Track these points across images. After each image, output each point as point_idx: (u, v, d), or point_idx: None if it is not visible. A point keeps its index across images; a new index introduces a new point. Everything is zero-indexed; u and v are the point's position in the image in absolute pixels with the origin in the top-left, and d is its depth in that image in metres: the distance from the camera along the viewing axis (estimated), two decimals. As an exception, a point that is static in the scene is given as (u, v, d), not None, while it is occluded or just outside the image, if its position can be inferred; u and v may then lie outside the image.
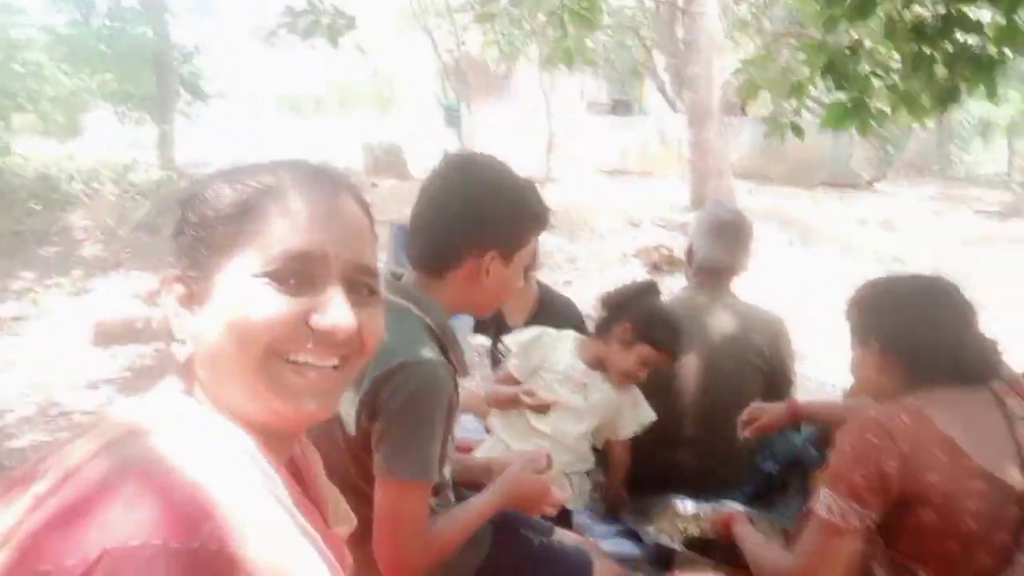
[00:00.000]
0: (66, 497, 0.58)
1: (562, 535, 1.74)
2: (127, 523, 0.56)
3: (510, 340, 2.20)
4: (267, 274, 0.68)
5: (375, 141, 11.48)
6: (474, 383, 2.79)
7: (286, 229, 0.69)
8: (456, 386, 1.37)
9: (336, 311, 0.70)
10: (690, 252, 2.42)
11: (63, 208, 7.87)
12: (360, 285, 0.73)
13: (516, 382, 2.12)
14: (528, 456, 1.56)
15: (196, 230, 0.71)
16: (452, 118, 11.53)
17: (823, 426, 2.13)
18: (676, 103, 12.77)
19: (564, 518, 2.01)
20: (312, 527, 0.69)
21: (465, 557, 1.43)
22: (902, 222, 9.66)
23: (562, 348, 2.17)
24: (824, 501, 1.28)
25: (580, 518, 2.15)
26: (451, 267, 1.40)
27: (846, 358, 1.60)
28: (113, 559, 0.54)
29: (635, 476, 2.35)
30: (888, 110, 3.05)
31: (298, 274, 0.69)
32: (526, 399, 2.03)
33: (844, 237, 8.71)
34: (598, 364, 2.15)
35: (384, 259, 5.91)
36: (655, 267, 7.49)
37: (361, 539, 1.33)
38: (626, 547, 2.01)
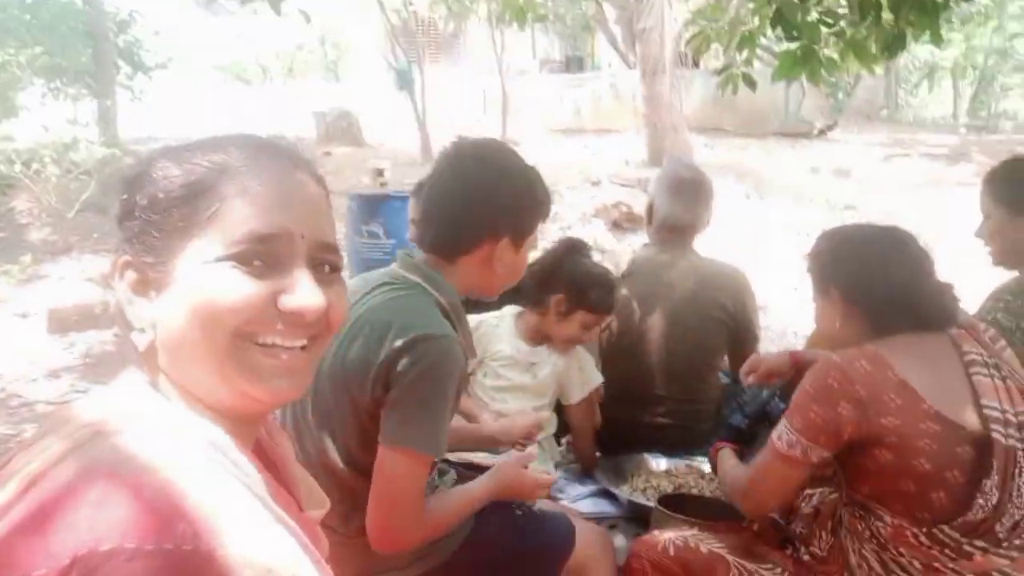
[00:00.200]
0: (32, 504, 0.56)
1: (542, 503, 1.77)
2: (97, 527, 0.54)
3: None
4: (231, 257, 0.67)
5: (326, 108, 11.22)
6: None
7: (247, 210, 0.68)
8: (467, 363, 1.39)
9: (305, 292, 0.69)
10: (651, 210, 2.43)
11: (4, 192, 7.55)
12: (322, 263, 0.73)
13: None
14: (524, 456, 1.62)
15: (146, 213, 0.68)
16: (403, 81, 11.28)
17: (791, 382, 2.18)
18: (628, 57, 12.71)
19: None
20: (286, 514, 0.68)
21: (452, 531, 1.45)
22: (854, 169, 9.83)
23: (503, 333, 2.18)
24: (780, 431, 1.38)
25: (553, 471, 2.18)
26: (464, 252, 1.43)
27: (805, 307, 1.65)
28: (85, 565, 0.53)
29: (607, 436, 2.40)
30: (837, 58, 3.08)
31: (262, 255, 0.68)
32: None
33: (798, 187, 8.85)
34: (541, 337, 2.17)
35: (342, 231, 5.82)
36: (615, 225, 7.53)
37: (354, 512, 1.37)
38: (602, 506, 2.06)
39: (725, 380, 2.49)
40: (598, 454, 2.32)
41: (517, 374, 2.16)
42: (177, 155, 0.71)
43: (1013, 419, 1.33)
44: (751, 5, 3.31)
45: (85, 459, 0.59)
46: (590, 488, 2.12)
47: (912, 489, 1.30)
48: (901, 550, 1.35)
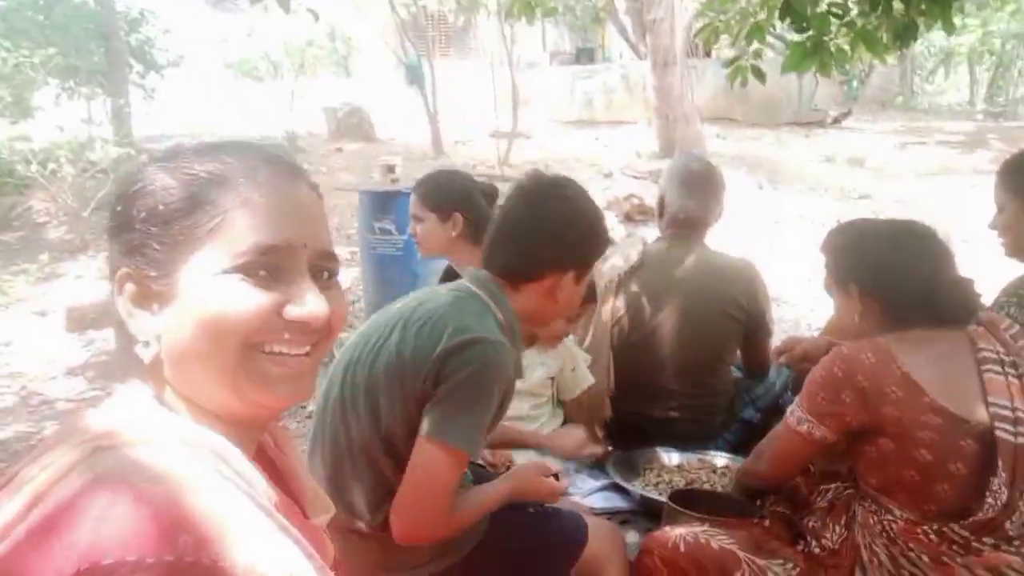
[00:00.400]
0: (36, 520, 0.57)
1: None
2: (100, 542, 0.55)
3: None
4: (237, 269, 0.68)
5: (337, 104, 11.23)
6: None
7: (250, 221, 0.69)
8: (515, 378, 1.44)
9: (311, 301, 0.71)
10: (661, 204, 2.43)
11: (21, 192, 7.64)
12: (322, 270, 0.75)
13: None
14: (540, 465, 1.69)
15: (145, 225, 0.69)
16: (413, 76, 11.28)
17: (801, 373, 2.18)
18: (639, 48, 12.63)
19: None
20: (291, 522, 0.68)
21: (468, 530, 1.47)
22: (868, 158, 9.73)
23: None
24: (792, 408, 1.49)
25: (566, 475, 2.19)
26: (530, 280, 1.50)
27: (819, 298, 1.66)
28: None
29: (619, 430, 2.40)
30: (848, 49, 3.05)
31: (267, 266, 0.69)
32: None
33: (811, 176, 8.77)
34: (528, 339, 2.16)
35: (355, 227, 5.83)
36: (627, 218, 7.50)
37: (384, 502, 1.40)
38: (614, 501, 2.06)
39: (737, 374, 2.48)
40: (610, 448, 2.32)
41: None
42: (170, 165, 0.71)
43: None
44: (760, -3, 3.29)
45: (88, 474, 0.60)
46: (602, 482, 2.12)
47: (916, 480, 1.33)
48: (911, 545, 1.36)
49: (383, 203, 4.56)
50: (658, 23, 9.05)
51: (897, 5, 2.65)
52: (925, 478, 1.32)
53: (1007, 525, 1.30)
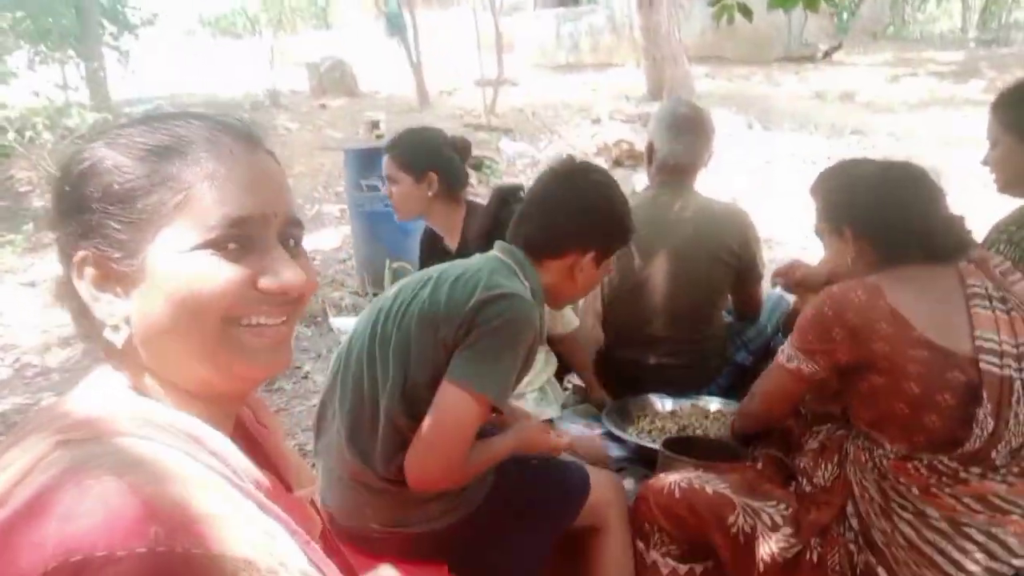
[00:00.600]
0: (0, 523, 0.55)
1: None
2: (66, 540, 0.53)
3: None
4: (208, 244, 0.66)
5: (318, 59, 10.99)
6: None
7: (217, 195, 0.67)
8: (539, 339, 1.48)
9: (286, 271, 0.70)
10: (650, 150, 2.39)
11: (0, 162, 7.52)
12: (289, 238, 0.74)
13: None
14: (543, 425, 1.73)
15: (102, 205, 0.66)
16: (394, 26, 11.01)
17: (792, 315, 2.18)
18: (625, -12, 12.33)
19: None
20: (274, 498, 0.67)
21: (475, 483, 1.50)
22: (859, 92, 9.61)
23: None
24: (784, 348, 1.52)
25: (562, 424, 2.21)
26: (553, 256, 1.57)
27: (811, 238, 1.69)
28: None
29: (614, 380, 2.41)
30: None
31: (238, 239, 0.68)
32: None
33: (802, 114, 8.67)
34: None
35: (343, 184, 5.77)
36: (617, 163, 7.44)
37: (397, 454, 1.43)
38: (610, 450, 2.07)
39: (728, 319, 2.49)
40: (605, 397, 2.34)
41: None
42: (121, 141, 0.68)
43: (1012, 350, 1.35)
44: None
45: (53, 469, 0.58)
46: (597, 432, 2.14)
47: (905, 412, 1.36)
48: (901, 479, 1.39)
49: (369, 160, 4.50)
50: (643, -40, 8.81)
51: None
52: (914, 410, 1.35)
53: (993, 454, 1.33)
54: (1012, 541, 1.34)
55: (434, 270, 1.55)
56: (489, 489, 1.54)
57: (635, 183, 6.43)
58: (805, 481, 1.54)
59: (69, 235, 0.68)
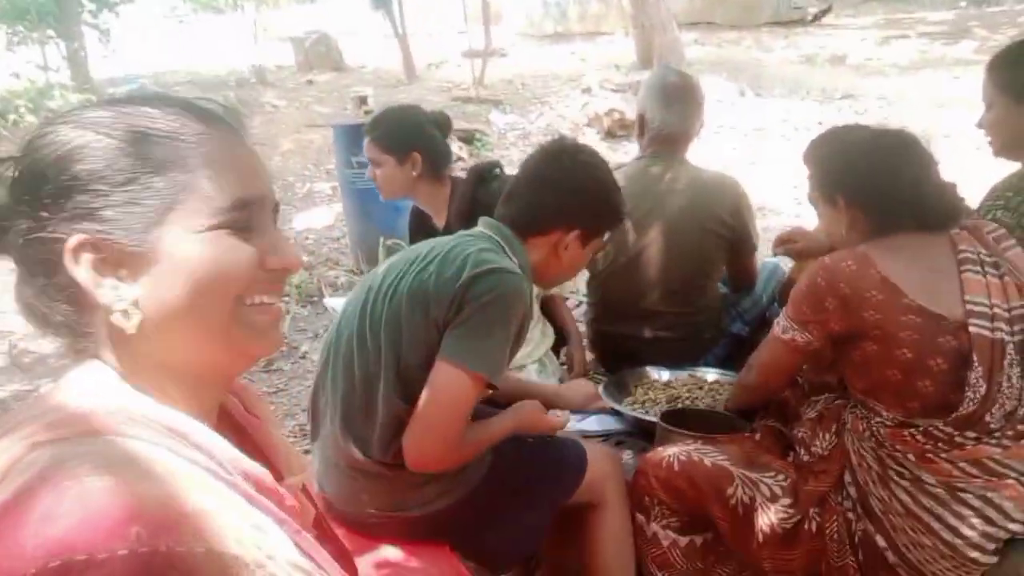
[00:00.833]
0: None
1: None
2: (46, 543, 0.51)
3: None
4: (221, 224, 0.67)
5: (302, 33, 10.82)
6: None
7: (223, 178, 0.68)
8: (530, 313, 1.48)
9: (287, 249, 0.73)
10: (641, 121, 2.37)
11: (-17, 146, 7.42)
12: (275, 219, 0.76)
13: None
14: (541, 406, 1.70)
15: (100, 187, 0.64)
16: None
17: (787, 284, 2.19)
18: (613, -47, 12.13)
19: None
20: (262, 487, 0.66)
21: (472, 464, 1.50)
22: (850, 56, 9.53)
23: None
24: (779, 321, 1.54)
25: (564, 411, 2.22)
26: (537, 234, 1.56)
27: (804, 205, 1.67)
28: None
29: (611, 354, 2.42)
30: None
31: (243, 220, 0.69)
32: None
33: (793, 79, 8.60)
34: None
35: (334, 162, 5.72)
36: (609, 133, 7.38)
37: (395, 439, 1.43)
38: (608, 423, 2.08)
39: (723, 290, 2.48)
40: (603, 374, 2.34)
41: None
42: (107, 123, 0.66)
43: (1004, 313, 1.36)
44: None
45: (28, 472, 0.56)
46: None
47: (899, 378, 1.37)
48: (898, 446, 1.40)
49: (358, 136, 4.39)
50: (630, -75, 8.67)
51: None
52: (907, 376, 1.37)
53: (987, 418, 1.34)
54: (1008, 505, 1.36)
55: (422, 247, 1.55)
56: (486, 469, 1.54)
57: (628, 152, 6.39)
58: (803, 451, 1.55)
59: (51, 220, 0.65)
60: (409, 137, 2.31)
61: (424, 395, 1.36)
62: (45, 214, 0.65)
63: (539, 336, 2.31)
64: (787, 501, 1.49)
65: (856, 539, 1.45)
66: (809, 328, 1.46)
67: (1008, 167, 1.90)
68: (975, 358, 1.32)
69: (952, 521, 1.36)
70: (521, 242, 1.56)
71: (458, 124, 7.22)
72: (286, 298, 4.47)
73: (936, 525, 1.37)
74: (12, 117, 6.81)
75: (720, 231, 2.26)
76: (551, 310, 2.41)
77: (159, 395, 0.67)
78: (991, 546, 1.37)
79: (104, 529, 0.52)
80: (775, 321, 1.56)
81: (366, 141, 2.36)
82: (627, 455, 1.94)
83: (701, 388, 2.10)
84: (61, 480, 0.54)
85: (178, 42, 11.96)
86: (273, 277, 0.72)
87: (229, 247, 0.68)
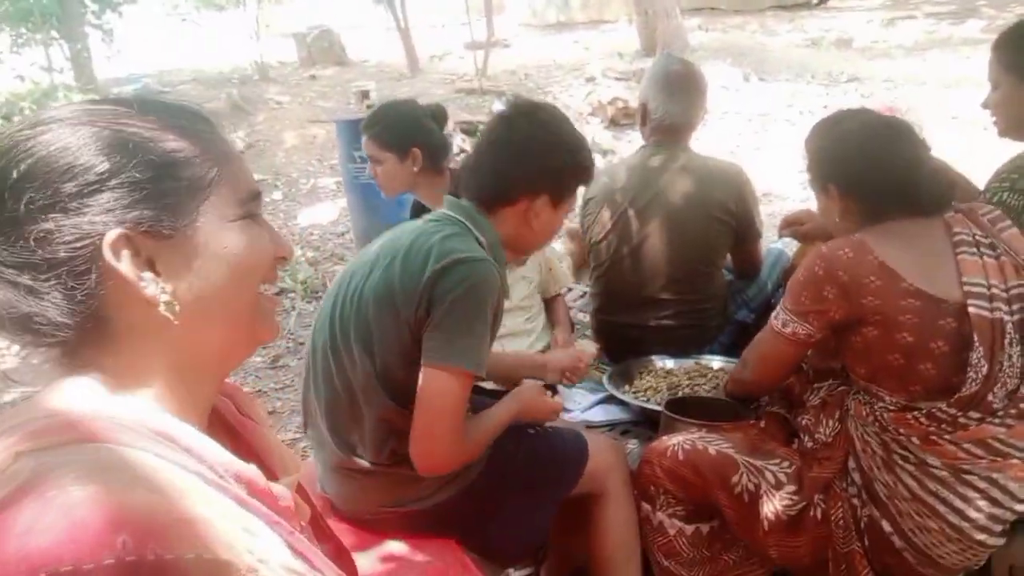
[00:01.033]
0: None
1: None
2: (29, 556, 0.50)
3: None
4: (245, 215, 0.71)
5: (305, 28, 10.80)
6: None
7: (236, 171, 0.72)
8: (503, 294, 1.45)
9: (284, 239, 0.76)
10: (644, 111, 2.35)
11: (-10, 149, 7.43)
12: None
13: None
14: (538, 385, 1.70)
15: (147, 175, 0.64)
16: (381, -9, 10.80)
17: (791, 269, 2.17)
18: (614, -60, 12.04)
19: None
20: (255, 490, 0.66)
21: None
22: (855, 38, 9.44)
23: None
24: (777, 312, 1.53)
25: (566, 389, 2.22)
26: (505, 203, 1.51)
27: (810, 190, 1.68)
28: None
29: (616, 343, 2.42)
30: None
31: (255, 210, 0.73)
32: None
33: (798, 63, 8.52)
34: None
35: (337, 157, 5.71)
36: (613, 122, 7.35)
37: (387, 440, 1.45)
38: (613, 413, 2.09)
39: (728, 277, 2.48)
40: (607, 364, 2.34)
41: None
42: (114, 118, 0.66)
43: (1002, 293, 1.36)
44: None
45: (10, 484, 0.55)
46: (600, 396, 2.15)
47: (901, 362, 1.37)
48: (901, 430, 1.40)
49: (360, 131, 4.44)
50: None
51: None
52: (909, 359, 1.37)
53: (990, 397, 1.34)
54: (1013, 486, 1.35)
55: (385, 244, 1.50)
56: (484, 463, 1.53)
57: (633, 141, 6.36)
58: (807, 438, 1.55)
59: (94, 212, 0.62)
60: (408, 132, 2.31)
61: (418, 404, 1.36)
62: (82, 207, 0.62)
63: (542, 327, 2.31)
64: (792, 488, 1.48)
65: (862, 525, 1.44)
66: (810, 319, 1.46)
67: (1014, 148, 1.88)
68: (976, 338, 1.32)
69: (958, 504, 1.36)
70: (487, 216, 1.51)
71: (461, 116, 7.22)
72: (291, 294, 4.49)
73: (942, 508, 1.37)
74: (17, 119, 6.84)
75: (724, 219, 2.25)
76: (551, 308, 2.42)
77: (150, 399, 0.67)
78: (998, 528, 1.37)
79: (89, 539, 0.51)
80: (773, 315, 1.55)
81: (364, 139, 2.36)
82: (632, 444, 1.94)
83: (705, 376, 2.10)
84: (45, 490, 0.53)
85: (181, 40, 11.96)
86: (279, 265, 0.75)
87: (257, 235, 0.71)
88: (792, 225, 2.05)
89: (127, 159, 0.64)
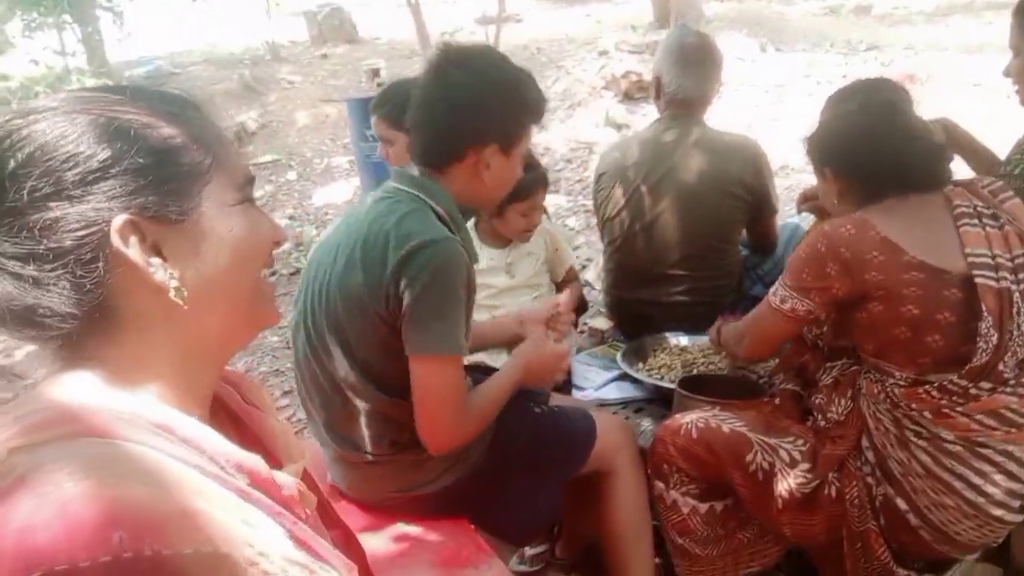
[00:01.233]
0: None
1: (559, 399, 1.80)
2: (25, 553, 0.49)
3: None
4: (243, 199, 0.71)
5: (315, 6, 10.74)
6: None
7: (231, 156, 0.71)
8: (470, 262, 1.40)
9: (279, 224, 0.76)
10: (658, 84, 2.32)
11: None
12: None
13: None
14: (539, 334, 1.62)
15: (149, 160, 0.63)
16: (391, -34, 10.71)
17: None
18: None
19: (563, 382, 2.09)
20: (258, 480, 0.65)
21: (473, 440, 1.49)
22: (875, 5, 9.24)
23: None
24: (775, 288, 1.54)
25: (579, 367, 2.21)
26: (452, 161, 1.44)
27: None
28: None
29: (631, 320, 2.40)
30: None
31: (250, 195, 0.73)
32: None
33: (816, 32, 8.36)
34: (500, 238, 2.16)
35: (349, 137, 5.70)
36: (627, 96, 7.25)
37: (384, 431, 1.44)
38: (627, 391, 2.08)
39: (744, 253, 2.44)
40: (622, 341, 2.33)
41: (501, 279, 2.17)
42: (106, 104, 0.65)
43: (1008, 263, 1.35)
44: None
45: (7, 481, 0.54)
46: (614, 374, 2.14)
47: (907, 335, 1.37)
48: (913, 405, 1.38)
49: (370, 111, 4.43)
50: None
51: None
52: (915, 332, 1.36)
53: (1001, 367, 1.32)
54: (1031, 460, 1.33)
55: (341, 237, 1.44)
56: (487, 444, 1.52)
57: (647, 115, 6.29)
58: (820, 416, 1.54)
59: (100, 199, 0.62)
60: None
61: (414, 394, 1.36)
62: (87, 194, 0.62)
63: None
64: (806, 466, 1.47)
65: (877, 503, 1.43)
66: (811, 295, 1.45)
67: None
68: (984, 308, 1.31)
69: (975, 479, 1.35)
70: (437, 180, 1.45)
71: (473, 93, 7.17)
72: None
73: (958, 484, 1.35)
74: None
75: (739, 193, 2.22)
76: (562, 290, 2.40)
77: (150, 391, 0.66)
78: (1016, 503, 1.36)
79: (85, 536, 0.50)
80: (771, 291, 1.54)
81: (374, 119, 2.34)
82: (646, 422, 1.93)
83: (720, 353, 2.08)
84: (40, 487, 0.53)
85: (191, 21, 11.93)
86: (274, 249, 0.75)
87: (257, 219, 0.72)
88: (810, 200, 2.02)
89: (128, 146, 0.63)
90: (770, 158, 2.33)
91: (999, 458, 1.35)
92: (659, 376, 1.99)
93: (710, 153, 2.23)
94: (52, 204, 0.60)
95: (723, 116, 6.23)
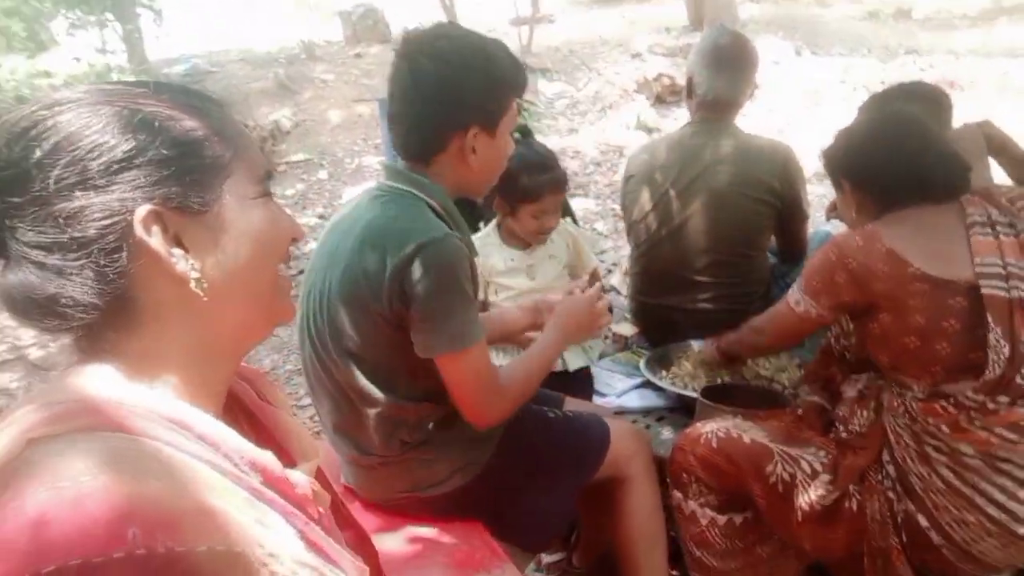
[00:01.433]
0: None
1: (575, 404, 1.79)
2: (39, 548, 0.50)
3: None
4: (263, 193, 0.72)
5: (350, 7, 10.83)
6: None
7: (252, 150, 0.72)
8: (470, 254, 1.39)
9: (296, 221, 0.77)
10: (690, 86, 2.29)
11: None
12: None
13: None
14: (567, 291, 1.63)
15: (173, 153, 0.64)
16: (426, -33, 10.76)
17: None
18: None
19: (584, 387, 2.08)
20: (271, 478, 0.65)
21: (481, 443, 1.49)
22: (915, 8, 9.06)
23: (491, 248, 2.15)
24: (793, 292, 1.59)
25: (601, 373, 2.19)
26: (436, 151, 1.41)
27: None
28: None
29: (655, 325, 2.37)
30: None
31: (268, 191, 0.73)
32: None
33: (854, 36, 8.23)
34: (522, 239, 2.15)
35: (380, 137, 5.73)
36: (659, 99, 7.21)
37: (395, 432, 1.44)
38: (649, 399, 2.06)
39: (773, 260, 2.40)
40: (646, 348, 2.30)
41: (521, 281, 2.16)
42: (130, 99, 0.65)
43: (1020, 272, 1.34)
44: None
45: (23, 474, 0.54)
46: (636, 381, 2.12)
47: (916, 344, 1.38)
48: (930, 420, 1.37)
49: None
50: None
51: None
52: (923, 340, 1.37)
53: (1017, 379, 1.30)
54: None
55: (336, 242, 1.42)
56: (495, 448, 1.51)
57: (679, 119, 6.23)
58: (842, 428, 1.51)
59: (124, 189, 0.62)
60: None
61: (451, 391, 1.38)
62: (112, 184, 0.62)
63: None
64: (827, 477, 1.45)
65: (898, 520, 1.40)
66: (819, 299, 1.51)
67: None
68: (990, 319, 1.30)
69: (997, 496, 1.32)
70: (425, 173, 1.42)
71: (504, 94, 7.17)
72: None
73: (980, 500, 1.32)
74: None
75: (769, 199, 2.18)
76: None
77: (167, 386, 0.66)
78: (1041, 522, 1.31)
79: (99, 532, 0.50)
80: (790, 290, 1.59)
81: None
82: (667, 431, 1.91)
83: (720, 367, 2.04)
84: (56, 481, 0.53)
85: (229, 19, 12.12)
86: (288, 245, 0.75)
87: (277, 213, 0.72)
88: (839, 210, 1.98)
89: (152, 137, 0.64)
90: (802, 164, 2.29)
91: (1021, 473, 1.32)
92: (682, 384, 1.97)
93: (740, 157, 2.20)
94: (77, 193, 0.61)
95: (756, 120, 6.15)
